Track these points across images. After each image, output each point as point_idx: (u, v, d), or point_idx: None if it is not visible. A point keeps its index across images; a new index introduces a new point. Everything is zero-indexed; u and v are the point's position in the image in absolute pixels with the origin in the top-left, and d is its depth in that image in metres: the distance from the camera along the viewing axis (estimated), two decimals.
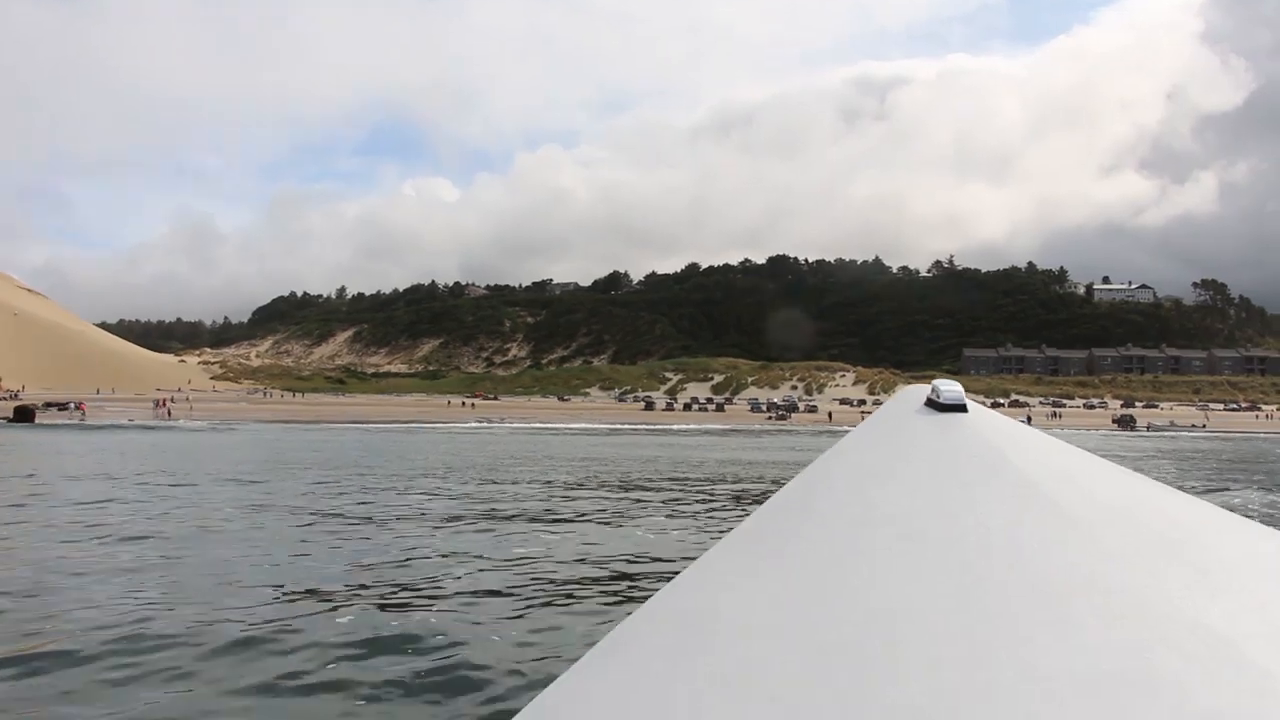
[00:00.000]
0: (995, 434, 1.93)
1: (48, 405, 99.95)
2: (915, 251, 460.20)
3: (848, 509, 1.74)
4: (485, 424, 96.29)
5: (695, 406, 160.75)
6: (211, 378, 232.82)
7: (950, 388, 2.07)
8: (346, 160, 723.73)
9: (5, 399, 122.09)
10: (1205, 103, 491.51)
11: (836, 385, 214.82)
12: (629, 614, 1.41)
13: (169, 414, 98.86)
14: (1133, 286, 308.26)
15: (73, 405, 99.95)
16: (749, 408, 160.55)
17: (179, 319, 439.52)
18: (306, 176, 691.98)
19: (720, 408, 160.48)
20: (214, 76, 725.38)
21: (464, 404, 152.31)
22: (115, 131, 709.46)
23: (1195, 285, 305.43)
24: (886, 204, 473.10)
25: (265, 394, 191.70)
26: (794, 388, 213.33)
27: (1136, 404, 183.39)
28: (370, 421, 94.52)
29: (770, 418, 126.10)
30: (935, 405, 2.07)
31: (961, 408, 2.02)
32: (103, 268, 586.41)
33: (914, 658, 1.16)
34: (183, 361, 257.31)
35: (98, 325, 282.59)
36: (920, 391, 2.16)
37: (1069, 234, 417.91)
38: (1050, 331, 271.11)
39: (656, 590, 1.48)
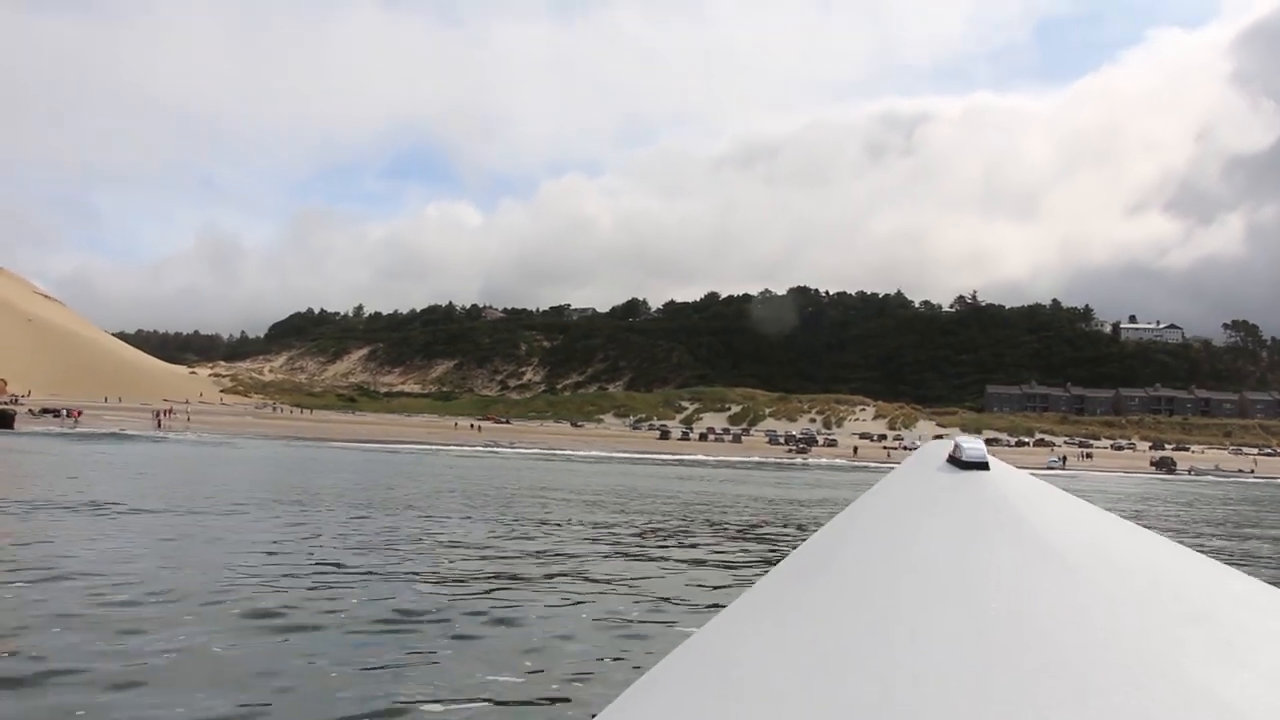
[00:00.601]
0: (1017, 494, 1.92)
1: (44, 411, 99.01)
2: (937, 288, 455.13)
3: (869, 568, 1.74)
4: (493, 448, 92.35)
5: (712, 437, 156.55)
6: (221, 391, 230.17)
7: (974, 445, 2.06)
8: (372, 183, 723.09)
9: (6, 404, 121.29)
10: (1234, 144, 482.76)
11: (856, 419, 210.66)
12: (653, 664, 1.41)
13: (159, 425, 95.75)
14: (1160, 326, 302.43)
15: (64, 412, 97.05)
16: (767, 439, 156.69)
17: (196, 331, 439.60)
18: (332, 197, 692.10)
19: (738, 439, 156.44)
20: (244, 94, 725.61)
21: (472, 427, 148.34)
22: (146, 144, 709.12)
23: (1226, 326, 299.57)
24: (909, 239, 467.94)
25: (275, 409, 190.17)
26: (812, 420, 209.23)
27: (1167, 446, 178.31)
28: (375, 441, 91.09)
29: (790, 450, 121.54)
30: (958, 463, 2.06)
31: (984, 465, 2.02)
32: (128, 278, 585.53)
33: (928, 711, 1.17)
34: (194, 373, 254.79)
35: (116, 335, 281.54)
36: (943, 448, 2.14)
37: (1092, 274, 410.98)
38: (1075, 370, 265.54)
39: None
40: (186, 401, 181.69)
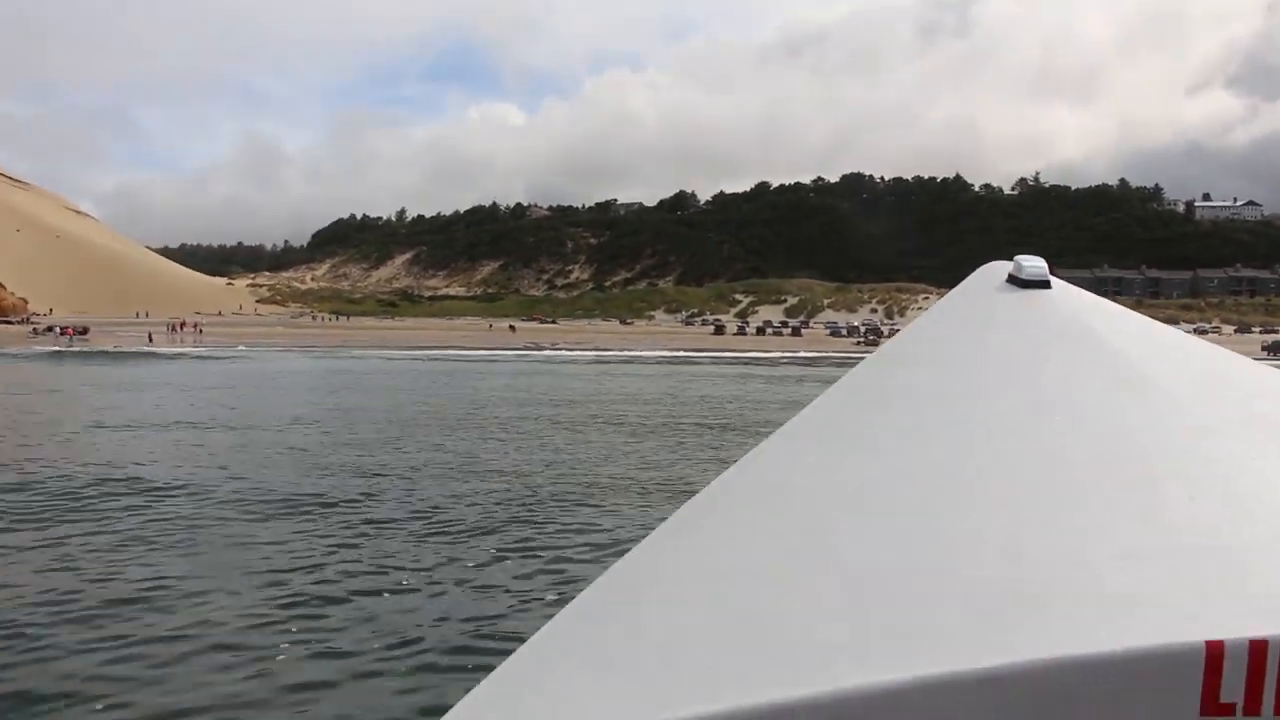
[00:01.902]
0: (1081, 309, 1.87)
1: (47, 329, 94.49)
2: (992, 173, 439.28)
3: (928, 384, 1.72)
4: (531, 352, 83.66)
5: (770, 330, 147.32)
6: (257, 301, 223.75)
7: (1033, 262, 1.97)
8: (413, 86, 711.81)
9: (18, 323, 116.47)
10: None
11: (919, 308, 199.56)
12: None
13: (174, 339, 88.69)
14: (1238, 203, 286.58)
15: (58, 329, 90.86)
16: (828, 331, 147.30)
17: (239, 243, 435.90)
18: (373, 102, 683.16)
19: (797, 332, 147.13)
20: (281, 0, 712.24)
21: (510, 328, 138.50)
22: (184, 55, 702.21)
23: None
24: (963, 125, 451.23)
25: (314, 317, 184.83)
26: (873, 310, 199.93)
27: (1254, 329, 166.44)
28: (401, 348, 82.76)
29: (859, 342, 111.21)
30: (1017, 281, 1.97)
31: (1045, 284, 1.93)
32: (172, 191, 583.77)
33: (998, 531, 1.15)
34: (230, 284, 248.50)
35: (160, 250, 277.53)
36: (1001, 268, 2.08)
37: (1150, 155, 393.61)
38: (1148, 252, 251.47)
39: None
40: (219, 313, 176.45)
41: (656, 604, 1.16)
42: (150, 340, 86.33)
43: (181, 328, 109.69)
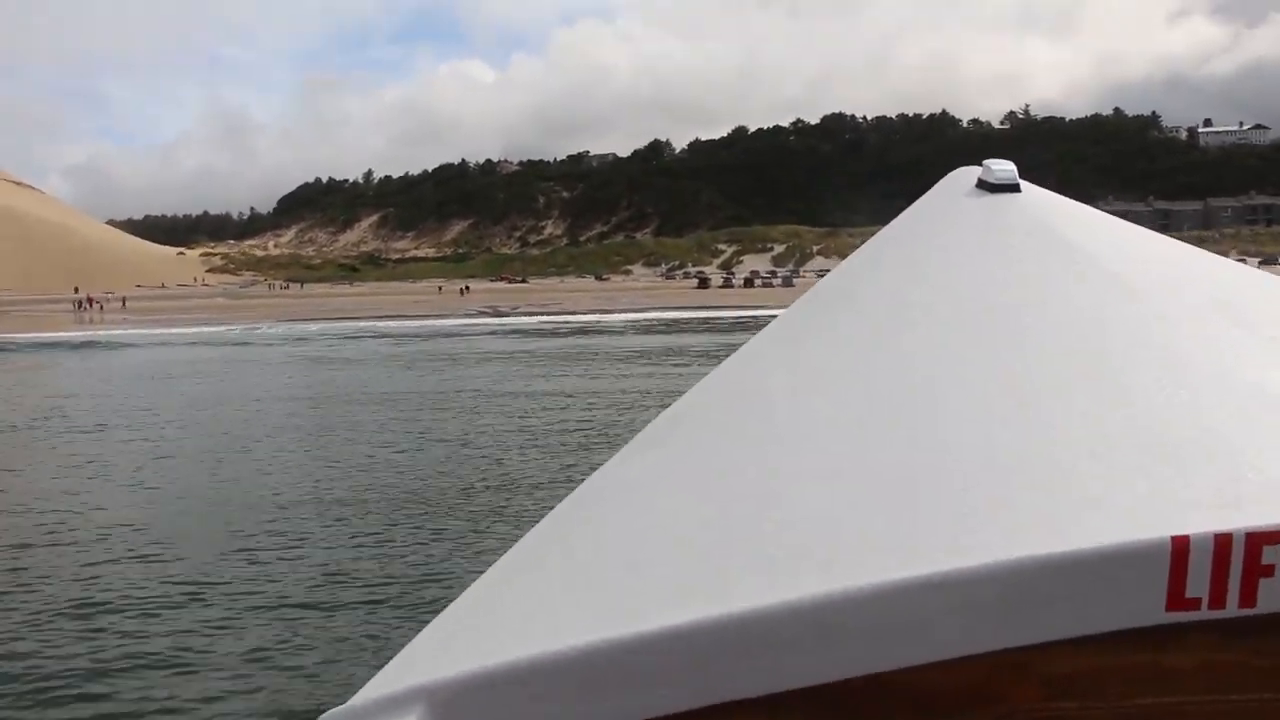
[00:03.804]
0: (1049, 211, 1.87)
1: None
2: (971, 111, 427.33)
3: (897, 287, 1.73)
4: (484, 319, 69.83)
5: (759, 282, 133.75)
6: (208, 270, 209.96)
7: (1002, 166, 1.98)
8: (381, 49, 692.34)
9: None
10: None
11: None
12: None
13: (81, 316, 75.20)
14: (1244, 127, 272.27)
15: None
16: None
17: (205, 212, 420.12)
18: (342, 66, 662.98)
19: (789, 281, 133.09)
20: None
21: (461, 290, 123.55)
22: (149, 27, 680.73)
23: None
24: (940, 64, 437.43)
25: (269, 286, 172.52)
26: None
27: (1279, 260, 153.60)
28: (334, 318, 69.62)
29: None
30: (987, 186, 1.98)
31: (1015, 187, 1.93)
32: (140, 163, 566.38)
33: (968, 433, 1.17)
34: (183, 254, 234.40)
35: (121, 222, 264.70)
36: (971, 174, 2.08)
37: (1128, 88, 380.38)
38: (1153, 183, 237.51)
39: None
40: (161, 285, 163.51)
41: (625, 516, 1.16)
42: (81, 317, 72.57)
43: (91, 304, 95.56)
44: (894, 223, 2.15)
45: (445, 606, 1.15)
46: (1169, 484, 1.02)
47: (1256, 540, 0.95)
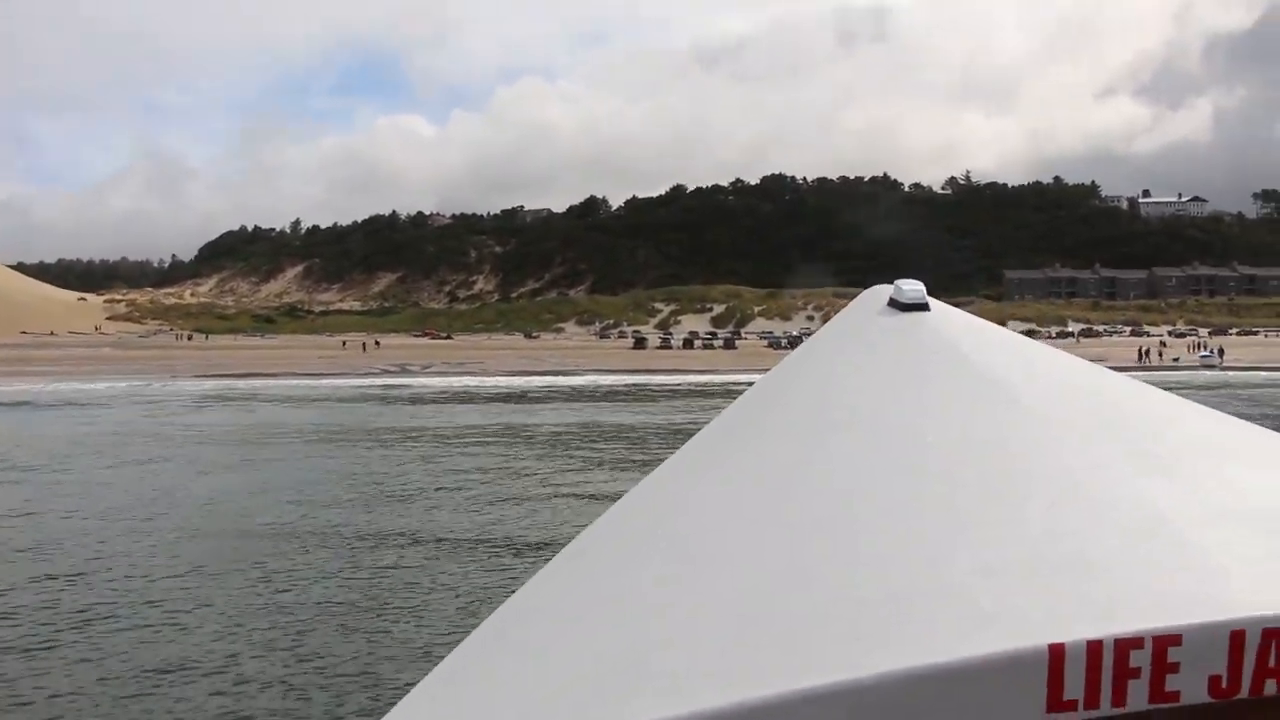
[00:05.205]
0: (956, 331, 1.97)
1: None
2: (913, 178, 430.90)
3: (809, 408, 1.80)
4: (390, 377, 59.95)
5: (698, 343, 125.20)
6: (108, 318, 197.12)
7: (912, 286, 2.09)
8: (320, 100, 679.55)
9: None
10: (1214, 24, 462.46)
11: None
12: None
13: None
14: (1183, 199, 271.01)
15: None
16: (765, 343, 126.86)
17: (124, 258, 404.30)
18: (281, 118, 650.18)
19: (730, 343, 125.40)
20: (184, 13, 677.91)
21: (365, 347, 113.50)
22: (84, 69, 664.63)
23: (1256, 197, 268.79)
24: (882, 132, 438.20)
25: (177, 336, 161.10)
26: (810, 318, 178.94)
27: (1231, 331, 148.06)
28: (209, 376, 59.11)
29: None
30: (897, 304, 2.08)
31: (924, 306, 2.04)
32: (63, 205, 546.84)
33: (869, 544, 1.23)
34: (84, 300, 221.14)
35: (34, 266, 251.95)
36: (884, 292, 2.19)
37: (1059, 162, 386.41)
38: (1096, 250, 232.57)
39: None
40: (51, 333, 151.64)
41: (542, 637, 1.21)
42: None
43: None
44: (812, 338, 2.26)
45: None
46: (1049, 597, 1.09)
47: (1124, 646, 1.04)
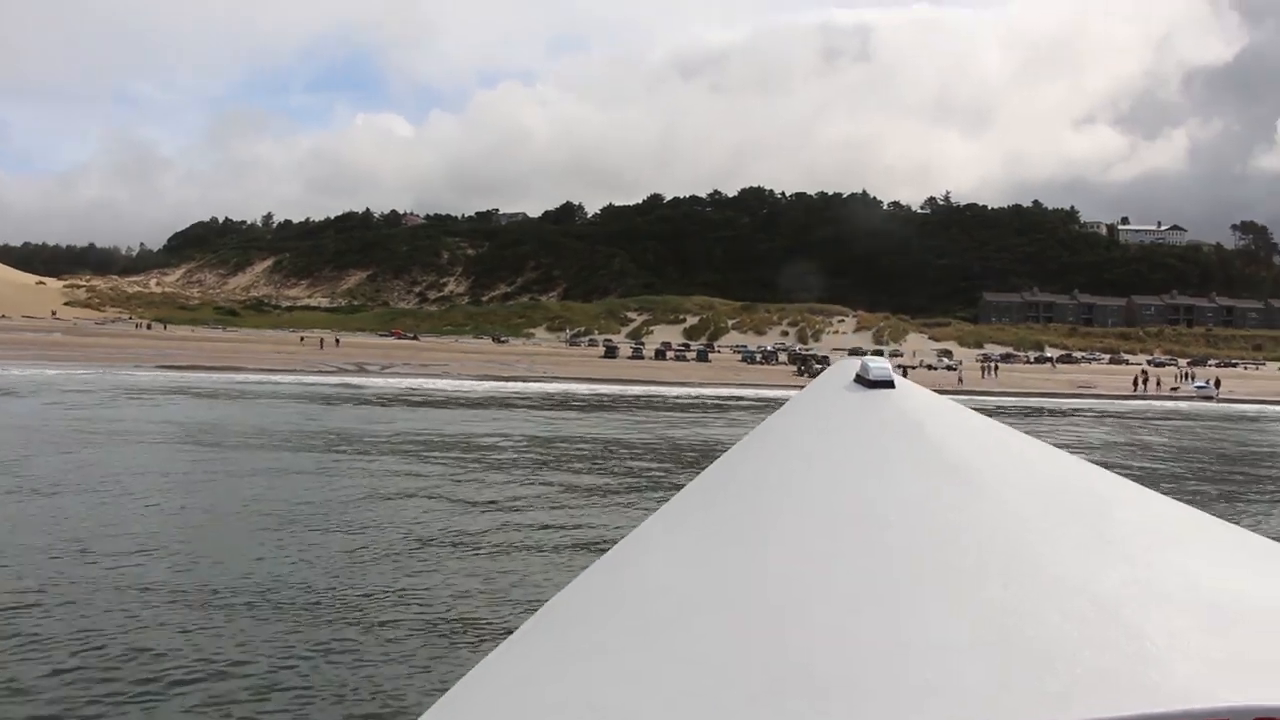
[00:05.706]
0: (919, 409, 2.02)
1: None
2: (891, 197, 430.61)
3: (772, 485, 1.82)
4: (345, 375, 56.21)
5: (671, 354, 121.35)
6: (66, 303, 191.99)
7: (879, 365, 2.14)
8: (298, 97, 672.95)
9: None
10: (1192, 56, 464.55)
11: (836, 331, 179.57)
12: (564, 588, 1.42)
13: None
14: (1162, 228, 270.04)
15: None
16: (739, 357, 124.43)
17: (91, 244, 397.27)
18: (257, 110, 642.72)
19: (703, 356, 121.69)
20: (163, 6, 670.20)
21: (322, 343, 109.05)
22: (57, 56, 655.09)
23: (1234, 228, 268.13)
24: (860, 149, 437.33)
25: (137, 325, 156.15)
26: (784, 333, 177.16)
27: (1210, 363, 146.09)
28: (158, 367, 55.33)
29: (800, 372, 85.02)
30: (864, 382, 2.14)
31: (889, 384, 2.10)
32: (32, 189, 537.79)
33: (827, 622, 1.23)
34: (42, 284, 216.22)
35: None
36: (851, 367, 2.24)
37: (1035, 187, 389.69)
38: (1074, 275, 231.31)
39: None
40: (3, 316, 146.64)
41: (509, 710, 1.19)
42: None
43: None
44: (780, 411, 2.29)
45: None
46: (1004, 679, 1.08)
47: None
